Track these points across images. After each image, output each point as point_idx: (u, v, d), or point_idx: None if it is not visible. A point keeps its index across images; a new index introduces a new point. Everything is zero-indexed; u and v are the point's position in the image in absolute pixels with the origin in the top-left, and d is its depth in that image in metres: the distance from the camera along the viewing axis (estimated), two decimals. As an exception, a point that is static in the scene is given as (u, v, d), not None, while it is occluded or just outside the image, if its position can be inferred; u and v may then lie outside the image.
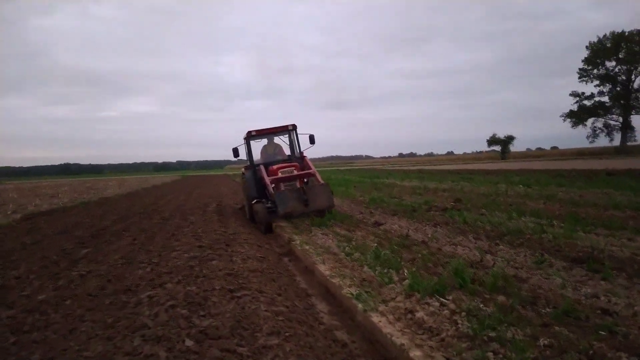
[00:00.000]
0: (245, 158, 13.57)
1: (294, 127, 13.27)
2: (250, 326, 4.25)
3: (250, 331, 4.12)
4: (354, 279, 5.62)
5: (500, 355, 3.33)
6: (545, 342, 3.50)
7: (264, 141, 13.92)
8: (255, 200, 11.95)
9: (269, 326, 4.17)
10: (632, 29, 63.43)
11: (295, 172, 11.99)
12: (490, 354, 3.36)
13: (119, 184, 45.10)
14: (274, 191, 11.22)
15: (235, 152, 12.87)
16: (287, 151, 14.03)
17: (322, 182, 11.52)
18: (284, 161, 13.11)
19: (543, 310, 4.24)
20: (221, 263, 6.97)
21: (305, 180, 12.42)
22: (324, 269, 6.29)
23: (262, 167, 12.16)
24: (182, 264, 7.01)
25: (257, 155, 13.70)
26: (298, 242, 8.27)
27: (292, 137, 13.62)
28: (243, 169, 13.63)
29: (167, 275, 6.33)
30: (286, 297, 5.25)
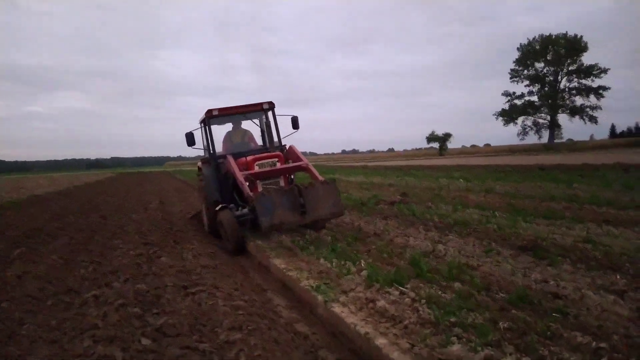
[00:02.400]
0: (201, 148, 10.04)
1: (271, 106, 9.61)
2: (209, 322, 4.10)
3: (210, 327, 3.98)
4: (312, 272, 5.56)
5: (464, 339, 3.39)
6: (505, 325, 3.61)
7: (228, 127, 10.33)
8: (219, 207, 8.56)
9: (229, 321, 4.03)
10: (559, 32, 67.51)
11: (279, 165, 8.65)
12: (454, 339, 3.41)
13: (50, 182, 42.58)
14: (252, 193, 7.62)
15: (190, 138, 9.16)
16: (259, 140, 10.55)
17: (321, 178, 7.99)
18: (258, 151, 9.47)
19: (497, 296, 4.38)
20: (171, 260, 6.72)
21: (291, 177, 9.40)
22: (279, 263, 6.19)
23: (230, 159, 8.53)
24: (128, 262, 6.68)
25: (218, 146, 10.00)
26: (250, 237, 8.11)
27: (267, 121, 9.93)
28: (200, 163, 10.09)
29: (112, 274, 6.01)
30: (243, 292, 5.11)
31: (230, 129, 10.22)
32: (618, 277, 4.70)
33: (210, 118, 9.43)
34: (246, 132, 10.30)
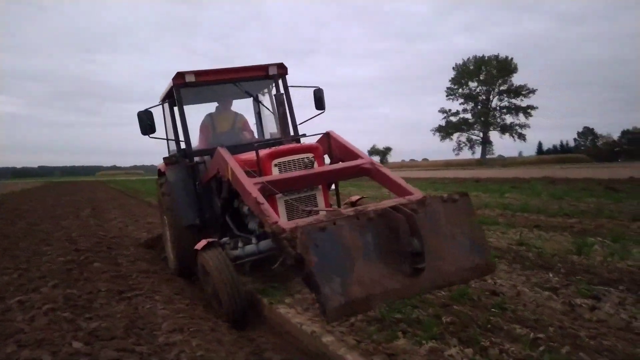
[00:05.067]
0: (163, 137, 6.46)
1: (283, 71, 6.16)
2: (147, 325, 3.91)
3: (148, 330, 3.79)
4: (256, 275, 5.44)
5: (409, 334, 3.43)
6: (448, 319, 3.69)
7: (210, 107, 6.73)
8: (205, 243, 4.57)
9: (169, 324, 3.86)
10: (491, 54, 71.30)
11: (318, 166, 4.88)
12: (399, 334, 3.44)
13: (-31, 190, 39.48)
14: (291, 226, 3.42)
15: (145, 120, 5.63)
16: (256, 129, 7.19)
17: (417, 192, 4.14)
18: (273, 143, 5.51)
19: (439, 293, 4.45)
20: (105, 265, 6.38)
21: (334, 187, 5.76)
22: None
23: (225, 154, 4.82)
24: (57, 268, 6.28)
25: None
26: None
27: (279, 94, 5.36)
28: (162, 164, 6.24)
29: (40, 280, 5.61)
30: (184, 297, 4.92)
31: (214, 110, 6.62)
32: (551, 275, 4.94)
33: (182, 87, 5.76)
34: (237, 116, 6.64)
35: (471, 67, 72.38)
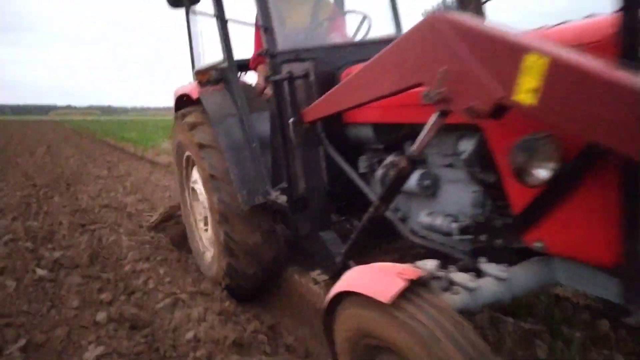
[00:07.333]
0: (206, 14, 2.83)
1: None
2: (112, 255, 3.92)
3: (113, 259, 3.80)
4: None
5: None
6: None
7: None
8: (406, 283, 1.17)
9: (134, 254, 3.86)
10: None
11: None
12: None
13: None
14: None
15: None
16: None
17: None
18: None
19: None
20: (64, 200, 6.27)
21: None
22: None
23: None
24: (15, 202, 6.15)
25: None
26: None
27: None
28: (189, 86, 3.27)
29: (-3, 213, 5.47)
30: (150, 229, 4.89)
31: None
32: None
33: None
34: (321, 2, 3.29)
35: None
